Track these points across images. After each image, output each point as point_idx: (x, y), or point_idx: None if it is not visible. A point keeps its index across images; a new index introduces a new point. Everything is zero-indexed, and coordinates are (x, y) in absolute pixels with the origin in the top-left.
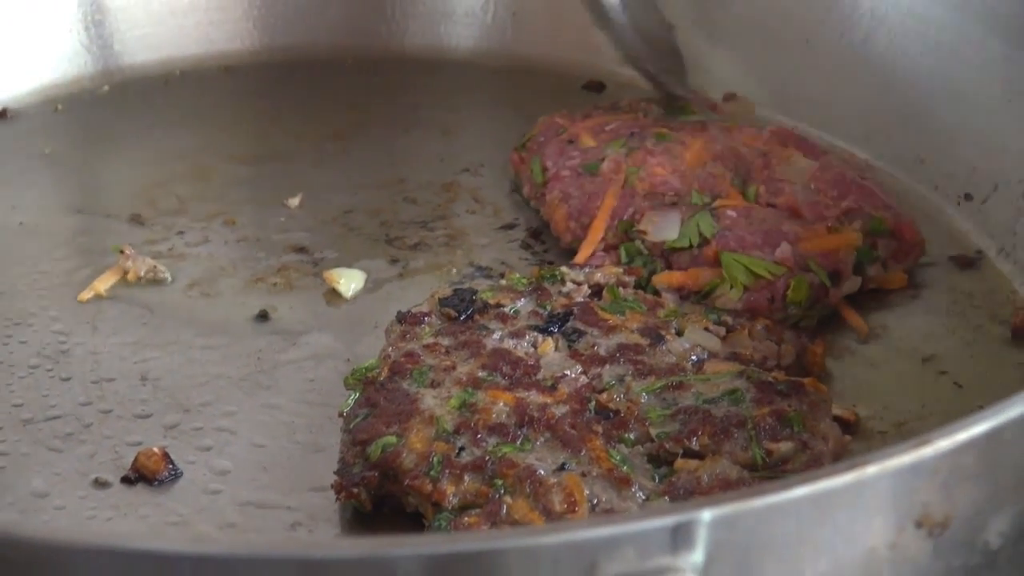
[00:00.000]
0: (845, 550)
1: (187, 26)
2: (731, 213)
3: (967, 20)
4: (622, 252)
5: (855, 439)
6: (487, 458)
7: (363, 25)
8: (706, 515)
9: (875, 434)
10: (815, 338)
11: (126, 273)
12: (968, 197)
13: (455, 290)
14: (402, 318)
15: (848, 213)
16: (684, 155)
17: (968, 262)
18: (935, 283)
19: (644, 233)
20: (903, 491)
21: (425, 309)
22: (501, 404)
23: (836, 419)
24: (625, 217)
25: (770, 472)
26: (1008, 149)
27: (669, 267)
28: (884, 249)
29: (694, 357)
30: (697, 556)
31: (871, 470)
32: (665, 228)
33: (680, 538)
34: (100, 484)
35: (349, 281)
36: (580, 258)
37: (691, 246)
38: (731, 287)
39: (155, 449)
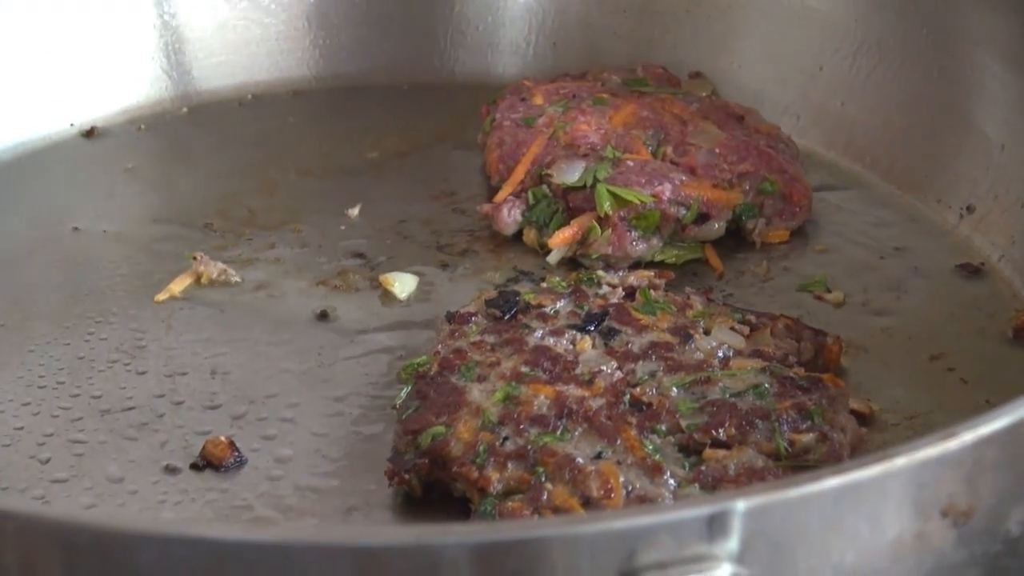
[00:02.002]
0: (873, 539)
1: (259, 54)
2: (630, 163)
3: (967, 46)
4: (530, 195)
5: (870, 431)
6: (529, 447)
7: (417, 54)
8: (740, 505)
9: (889, 426)
10: (832, 336)
11: (199, 276)
12: (970, 209)
13: (500, 292)
14: (451, 317)
15: (742, 175)
16: (612, 116)
17: (973, 270)
18: (941, 289)
19: (550, 176)
20: (929, 482)
21: (472, 309)
22: (542, 397)
23: (853, 412)
24: (543, 164)
25: (792, 461)
26: (1006, 164)
27: (567, 206)
28: (770, 208)
29: (720, 354)
30: (732, 544)
31: (899, 462)
32: (568, 172)
33: (716, 527)
34: (171, 470)
35: (403, 284)
36: (499, 197)
37: (585, 186)
38: (600, 231)
39: (222, 438)
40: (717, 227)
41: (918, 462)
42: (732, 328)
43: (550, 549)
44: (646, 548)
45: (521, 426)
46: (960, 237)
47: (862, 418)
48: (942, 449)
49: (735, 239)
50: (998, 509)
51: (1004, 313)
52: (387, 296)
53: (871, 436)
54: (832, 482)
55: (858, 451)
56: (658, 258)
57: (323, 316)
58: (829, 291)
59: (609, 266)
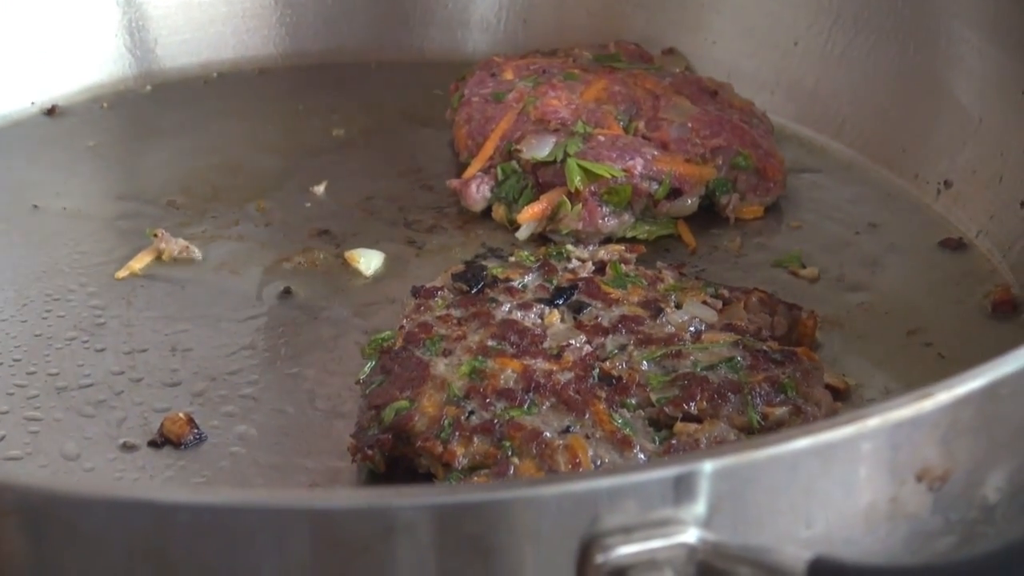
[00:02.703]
0: (846, 503)
1: (225, 32)
2: (601, 138)
3: (944, 18)
4: (499, 171)
5: (846, 406)
6: (495, 421)
7: (386, 32)
8: (707, 466)
9: (864, 401)
10: (807, 311)
11: (160, 253)
12: (947, 184)
13: (467, 265)
14: (416, 291)
15: (715, 150)
16: (583, 92)
17: (953, 245)
18: (918, 265)
19: (520, 151)
20: (904, 444)
21: (438, 284)
22: (509, 371)
23: (828, 387)
24: (513, 139)
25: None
26: (983, 138)
27: (537, 182)
28: (744, 183)
29: (692, 328)
30: (699, 508)
31: (872, 422)
32: (538, 148)
33: (682, 490)
34: (128, 447)
35: (368, 260)
36: (468, 173)
37: (555, 161)
38: (571, 206)
39: (180, 414)
40: (690, 203)
41: (892, 423)
42: (704, 302)
43: (509, 512)
44: (610, 512)
45: (487, 400)
46: (937, 212)
47: (837, 393)
48: (917, 409)
49: (709, 215)
50: (974, 474)
51: (983, 288)
52: (352, 273)
53: (846, 410)
54: (803, 443)
55: None
56: (630, 234)
57: (287, 293)
58: (804, 267)
59: (580, 242)
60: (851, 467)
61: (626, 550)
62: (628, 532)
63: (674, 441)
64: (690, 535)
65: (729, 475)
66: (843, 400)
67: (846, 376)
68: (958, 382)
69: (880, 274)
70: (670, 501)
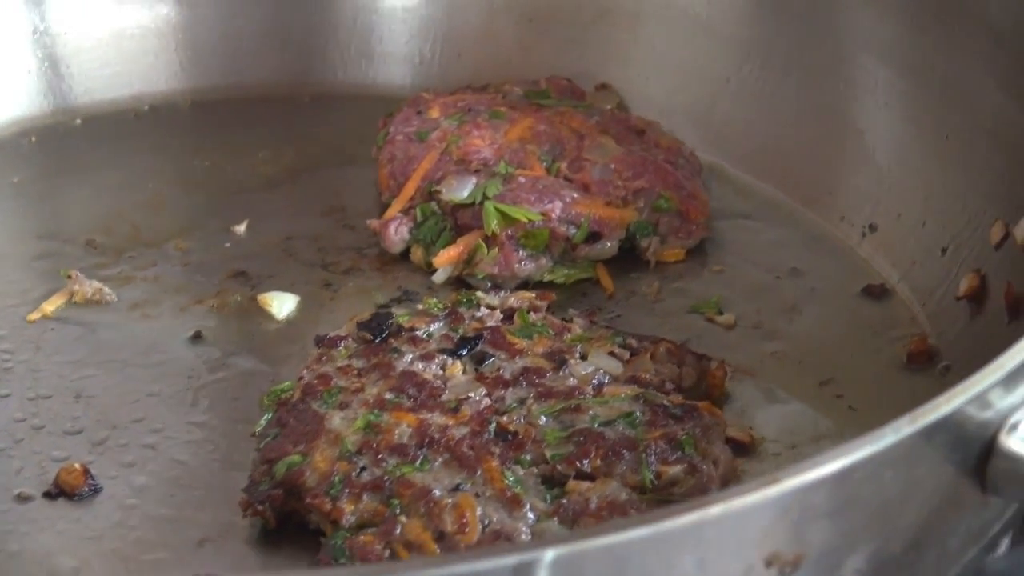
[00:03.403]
0: None
1: (157, 64)
2: (521, 179)
3: (871, 61)
4: (418, 212)
5: (750, 460)
6: (386, 478)
7: (321, 64)
8: (549, 554)
9: (769, 455)
10: (716, 361)
11: (74, 295)
12: (872, 228)
13: (373, 314)
14: (319, 341)
15: (637, 192)
16: (507, 131)
17: (875, 292)
18: (837, 312)
19: (439, 193)
20: (750, 530)
21: (343, 332)
22: (404, 425)
23: (732, 441)
24: (434, 180)
25: (658, 495)
26: (907, 182)
27: (456, 224)
28: (666, 226)
29: (595, 381)
30: None
31: (715, 510)
32: (457, 189)
33: None
34: (23, 499)
35: (281, 304)
36: (388, 214)
37: (474, 203)
38: (487, 250)
39: (76, 465)
40: (609, 246)
41: (736, 510)
42: (611, 353)
43: None
44: None
45: (380, 456)
46: (861, 257)
47: (742, 447)
48: (762, 496)
49: (630, 257)
50: (830, 557)
51: (900, 337)
52: (265, 317)
53: (750, 466)
54: (643, 531)
55: (731, 483)
56: (547, 278)
57: (197, 337)
58: (721, 313)
59: (497, 286)
60: (696, 555)
61: None
62: None
63: (564, 500)
64: None
65: (569, 563)
66: (747, 455)
67: (752, 429)
68: (808, 467)
69: (798, 321)
70: None
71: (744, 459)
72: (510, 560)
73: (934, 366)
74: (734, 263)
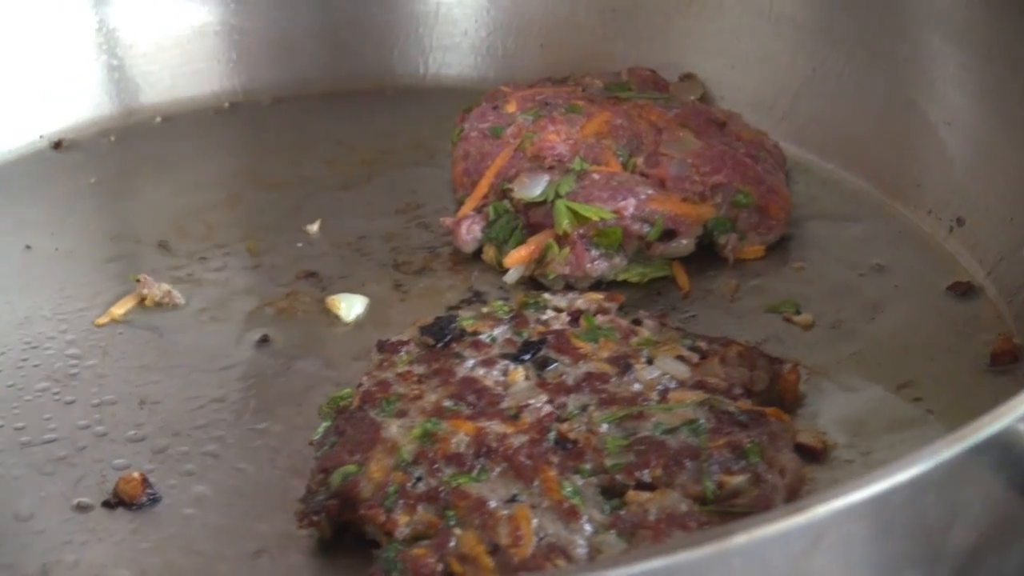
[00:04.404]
0: None
1: (239, 61)
2: (595, 176)
3: (961, 51)
4: (491, 210)
5: (822, 468)
6: (441, 489)
7: (401, 57)
8: None
9: (842, 463)
10: (789, 364)
11: (143, 299)
12: (960, 222)
13: (436, 318)
14: (381, 346)
15: (715, 187)
16: (583, 125)
17: (961, 289)
18: (920, 310)
19: (511, 191)
20: (779, 559)
21: (405, 338)
22: (462, 434)
23: (802, 447)
24: (507, 177)
25: (719, 506)
26: (996, 174)
27: (528, 223)
28: (745, 222)
29: (660, 386)
30: None
31: (739, 539)
32: (530, 187)
33: None
34: (82, 508)
35: (350, 306)
36: (460, 213)
37: (546, 201)
38: (559, 249)
39: (135, 474)
40: (685, 243)
41: (759, 539)
42: (679, 356)
43: None
44: None
45: (435, 465)
46: (947, 253)
47: (813, 454)
48: (787, 525)
49: (708, 255)
50: None
51: (985, 336)
52: (333, 320)
53: (821, 474)
54: (658, 562)
55: (799, 493)
56: (621, 277)
57: (263, 341)
58: (799, 312)
59: (569, 286)
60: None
61: None
62: None
63: (623, 512)
64: None
65: None
66: (819, 462)
67: (825, 435)
68: (839, 493)
69: (879, 320)
70: None
71: (814, 467)
72: None
73: (1019, 367)
74: (816, 259)
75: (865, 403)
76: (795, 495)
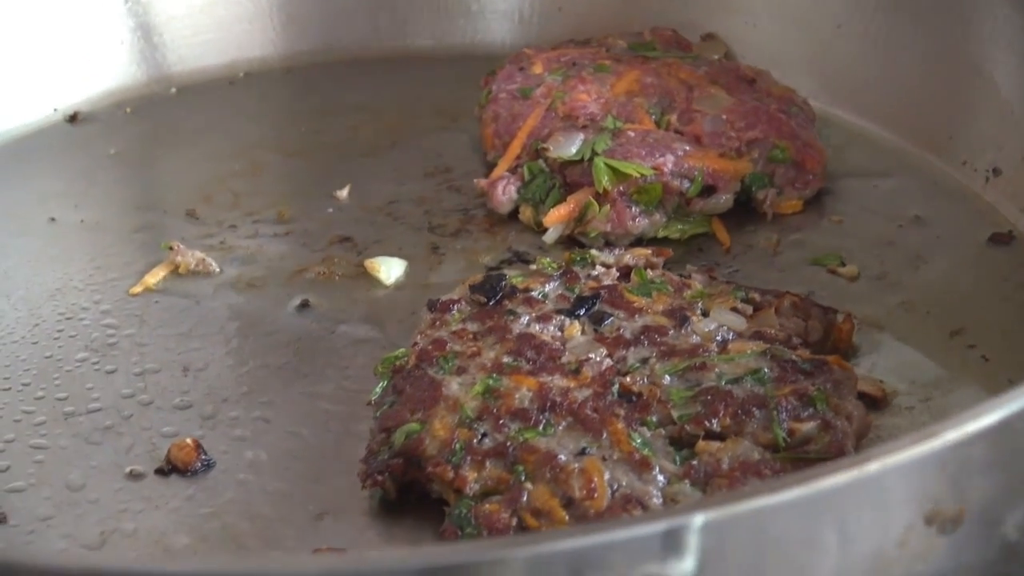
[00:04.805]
0: (849, 551)
1: (251, 30)
2: (631, 134)
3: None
4: (525, 170)
5: (882, 415)
6: (509, 444)
7: (419, 23)
8: (698, 519)
9: (903, 410)
10: (843, 314)
11: (176, 267)
12: (996, 172)
13: (486, 276)
14: (432, 305)
15: (751, 143)
16: (613, 84)
17: (1004, 239)
18: (964, 260)
19: (546, 150)
20: (909, 487)
21: (456, 296)
22: (524, 389)
23: (863, 395)
24: (540, 137)
25: (792, 453)
26: None
27: (564, 182)
28: (782, 177)
29: (719, 337)
30: (687, 564)
31: (872, 467)
32: (565, 146)
33: (670, 545)
34: (135, 476)
35: (389, 269)
36: (494, 174)
37: (582, 160)
38: (599, 208)
39: (188, 440)
40: (724, 199)
41: (894, 466)
42: (734, 308)
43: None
44: (593, 571)
45: (501, 421)
46: (987, 203)
47: (874, 402)
48: (922, 451)
49: (745, 210)
50: (991, 513)
51: None
52: (373, 282)
53: (883, 421)
54: (798, 491)
55: (865, 439)
56: (662, 234)
57: (304, 306)
58: (844, 264)
59: (610, 244)
60: (853, 514)
61: None
62: None
63: (695, 461)
64: None
65: (720, 528)
66: (879, 410)
67: (883, 383)
68: (968, 418)
69: (924, 270)
70: (658, 558)
71: (876, 414)
72: (658, 527)
73: None
74: (854, 213)
75: (919, 351)
76: (861, 441)
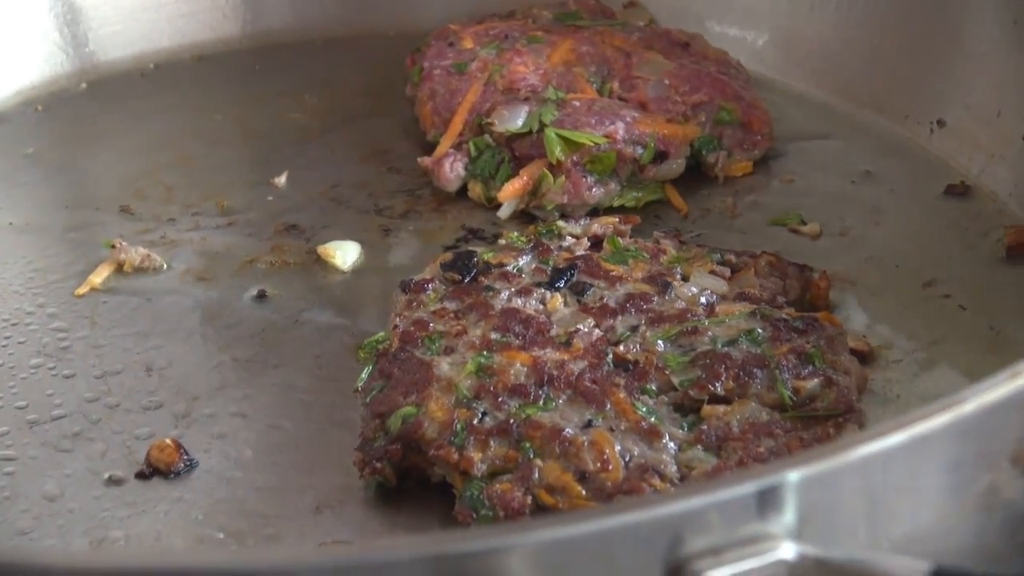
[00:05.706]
0: (939, 496)
1: (158, 20)
2: (576, 103)
3: None
4: (471, 146)
5: (872, 369)
6: (511, 421)
7: (329, 6)
8: (793, 476)
9: (891, 364)
10: (818, 271)
11: (121, 265)
12: (940, 123)
13: (456, 254)
14: (406, 286)
15: (697, 106)
16: (549, 55)
17: (959, 190)
18: (922, 211)
19: (492, 125)
20: (997, 428)
21: (428, 275)
22: (518, 365)
23: (851, 351)
24: (482, 112)
25: (800, 411)
26: (974, 71)
27: (513, 155)
28: (730, 139)
29: (703, 301)
30: (788, 518)
31: (968, 407)
32: (510, 119)
33: (767, 502)
34: (114, 482)
35: (344, 254)
36: (438, 152)
37: (530, 132)
38: (553, 179)
39: (167, 440)
40: (677, 164)
41: (987, 406)
42: (712, 271)
43: (581, 548)
44: (693, 534)
45: (499, 398)
46: (933, 155)
47: (862, 356)
48: (1010, 389)
49: (696, 175)
50: None
51: (992, 230)
52: (329, 269)
53: (874, 375)
54: (896, 438)
55: (863, 393)
56: (617, 203)
57: (261, 296)
58: (804, 223)
59: (566, 215)
60: (944, 458)
61: (718, 574)
62: (717, 554)
63: (704, 426)
64: (786, 550)
65: (818, 482)
66: (868, 364)
67: (867, 338)
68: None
69: (884, 225)
70: (755, 515)
71: (867, 368)
72: (751, 487)
73: None
74: (804, 172)
75: (895, 304)
76: (861, 395)
